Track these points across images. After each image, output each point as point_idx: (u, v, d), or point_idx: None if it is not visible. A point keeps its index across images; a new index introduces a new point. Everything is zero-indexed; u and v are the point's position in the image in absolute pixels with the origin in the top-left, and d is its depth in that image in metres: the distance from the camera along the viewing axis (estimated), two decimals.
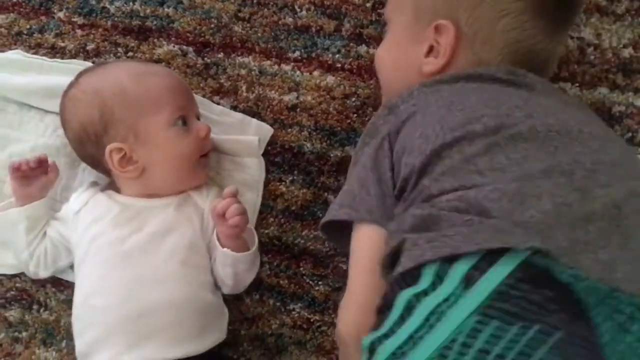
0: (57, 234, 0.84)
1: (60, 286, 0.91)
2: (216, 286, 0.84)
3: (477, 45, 0.73)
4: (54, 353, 0.89)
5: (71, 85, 0.85)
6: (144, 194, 0.83)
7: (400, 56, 0.79)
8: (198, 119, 0.86)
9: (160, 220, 0.80)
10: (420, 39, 0.76)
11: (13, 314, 0.91)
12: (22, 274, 0.90)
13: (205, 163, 0.87)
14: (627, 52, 0.94)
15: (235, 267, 0.82)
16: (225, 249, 0.80)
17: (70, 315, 0.89)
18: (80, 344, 0.79)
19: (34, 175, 0.84)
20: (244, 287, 0.86)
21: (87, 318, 0.78)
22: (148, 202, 0.82)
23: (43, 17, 0.98)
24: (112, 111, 0.80)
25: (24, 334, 0.90)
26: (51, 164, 0.86)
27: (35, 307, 0.91)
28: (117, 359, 0.75)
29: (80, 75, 0.86)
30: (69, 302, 0.89)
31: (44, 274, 0.86)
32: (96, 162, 0.84)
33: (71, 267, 0.86)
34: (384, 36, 0.84)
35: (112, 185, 0.86)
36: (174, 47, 0.97)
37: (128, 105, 0.80)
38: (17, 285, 0.91)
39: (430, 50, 0.75)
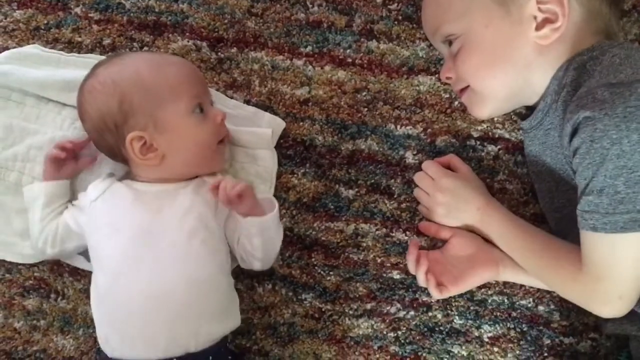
0: (72, 220, 0.86)
1: (78, 275, 0.93)
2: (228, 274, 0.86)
3: None
4: (71, 340, 0.92)
5: (88, 77, 0.86)
6: (163, 180, 0.84)
7: (501, 53, 0.80)
8: (212, 105, 0.88)
9: (179, 202, 0.82)
10: (518, 22, 0.77)
11: (31, 302, 0.93)
12: (41, 263, 0.93)
13: (223, 150, 0.89)
14: None
15: (262, 234, 0.83)
16: (249, 218, 0.81)
17: (87, 304, 0.92)
18: (101, 328, 0.81)
19: (66, 159, 0.88)
20: (273, 259, 0.88)
21: (111, 300, 0.80)
22: (164, 186, 0.84)
23: (60, 13, 1.00)
24: (131, 101, 0.81)
25: (42, 322, 0.92)
26: (79, 144, 0.91)
27: (53, 296, 0.93)
28: (140, 339, 0.77)
29: (96, 67, 0.87)
30: (86, 291, 0.92)
31: (50, 251, 0.88)
32: (115, 152, 0.86)
33: (81, 253, 0.90)
34: (459, 52, 0.82)
35: (128, 175, 0.88)
36: (188, 42, 0.99)
37: (147, 94, 0.81)
38: (36, 274, 0.93)
39: (539, 24, 0.77)
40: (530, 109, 0.87)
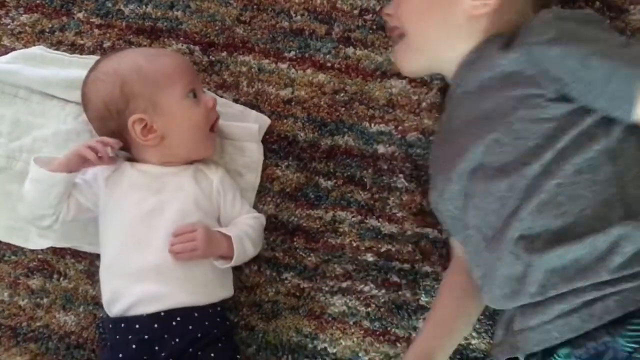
0: (84, 198, 0.91)
1: (79, 257, 1.00)
2: None
3: None
4: (72, 317, 0.99)
5: (91, 70, 0.94)
6: (162, 162, 0.92)
7: (438, 5, 0.87)
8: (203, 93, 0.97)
9: (177, 185, 0.91)
10: None
11: (35, 282, 1.00)
12: None
13: (214, 137, 0.97)
14: None
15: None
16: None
17: (87, 283, 1.00)
18: (106, 291, 0.89)
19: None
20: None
21: (113, 268, 0.89)
22: (164, 169, 0.92)
23: (64, 18, 1.07)
24: (131, 86, 0.89)
25: (45, 300, 0.99)
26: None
27: (55, 276, 1.00)
28: (136, 305, 0.86)
29: (98, 61, 0.95)
30: (86, 272, 1.00)
31: (57, 227, 0.91)
32: (116, 137, 0.91)
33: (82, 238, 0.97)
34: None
35: (130, 159, 0.96)
36: (182, 46, 1.06)
37: (145, 81, 0.89)
38: (39, 256, 1.00)
39: None
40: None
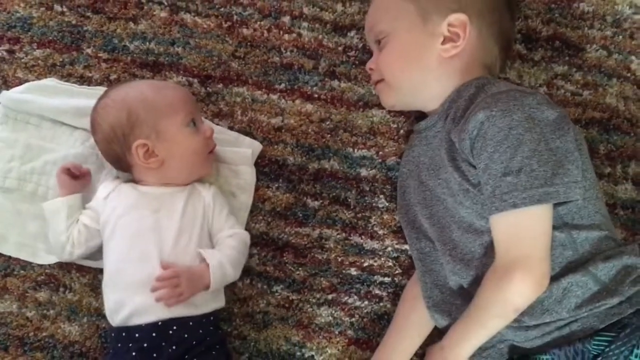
0: (89, 219, 0.98)
1: (83, 272, 1.06)
2: None
3: (484, 29, 0.95)
4: (76, 327, 1.05)
5: (101, 98, 1.01)
6: (160, 183, 0.99)
7: (413, 54, 0.96)
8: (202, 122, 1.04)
9: (175, 204, 0.97)
10: (431, 34, 0.94)
11: (42, 295, 1.06)
12: None
13: (212, 158, 1.04)
14: (542, 90, 1.14)
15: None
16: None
17: (91, 296, 1.05)
18: (109, 302, 0.95)
19: (77, 176, 1.00)
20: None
21: (115, 281, 0.94)
22: (163, 189, 0.99)
23: (74, 52, 1.14)
24: (137, 114, 0.96)
25: (51, 311, 1.05)
26: (87, 171, 1.02)
27: (61, 289, 1.06)
28: (136, 315, 0.91)
29: (108, 90, 1.03)
30: (90, 285, 1.06)
31: (78, 252, 0.98)
32: (120, 159, 1.00)
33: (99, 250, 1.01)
34: (384, 48, 0.99)
35: (131, 181, 1.03)
36: (182, 78, 1.14)
37: (150, 109, 0.97)
38: (47, 271, 1.07)
39: (444, 40, 0.94)
40: (421, 119, 1.04)
